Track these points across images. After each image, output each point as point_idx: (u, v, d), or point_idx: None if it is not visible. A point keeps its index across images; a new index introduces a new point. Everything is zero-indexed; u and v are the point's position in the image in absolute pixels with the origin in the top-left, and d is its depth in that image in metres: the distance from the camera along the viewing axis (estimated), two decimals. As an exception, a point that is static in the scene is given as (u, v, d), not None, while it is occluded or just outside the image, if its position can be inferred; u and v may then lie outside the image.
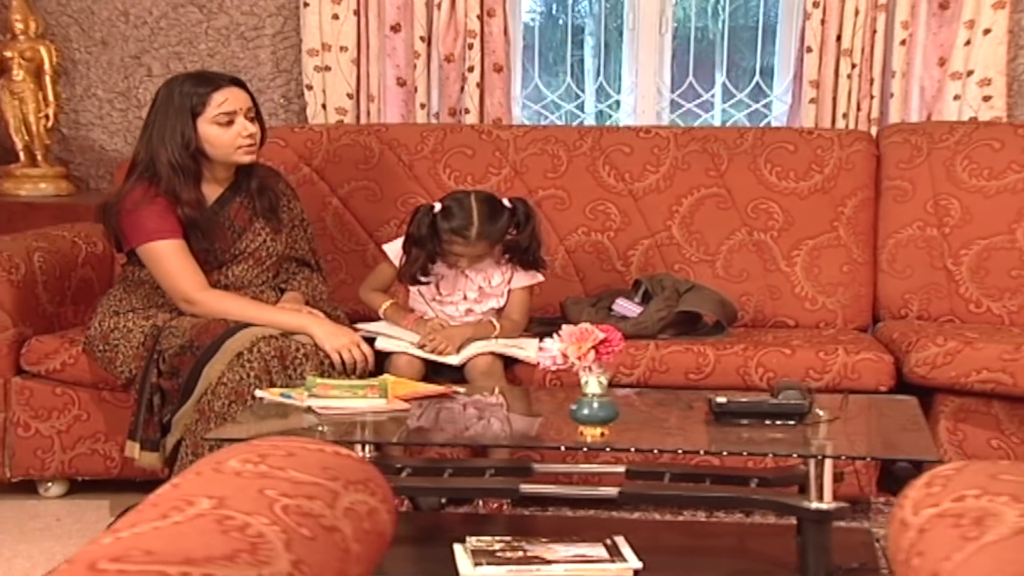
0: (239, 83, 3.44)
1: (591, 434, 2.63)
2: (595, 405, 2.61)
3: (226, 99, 3.32)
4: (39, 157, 4.82)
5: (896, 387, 3.45)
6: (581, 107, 5.44)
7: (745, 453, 2.85)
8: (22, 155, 4.87)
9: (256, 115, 3.43)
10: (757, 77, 5.35)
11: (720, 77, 5.29)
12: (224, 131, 3.32)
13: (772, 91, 5.14)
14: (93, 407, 3.51)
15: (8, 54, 4.92)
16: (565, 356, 2.65)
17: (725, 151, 4.01)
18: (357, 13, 5.02)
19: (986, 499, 1.42)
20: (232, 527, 1.21)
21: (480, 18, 4.97)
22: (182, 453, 3.11)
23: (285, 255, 3.59)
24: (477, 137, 4.15)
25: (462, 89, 5.03)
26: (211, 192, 3.42)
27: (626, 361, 3.46)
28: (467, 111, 4.99)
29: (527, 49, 5.43)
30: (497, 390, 3.26)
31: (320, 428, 2.66)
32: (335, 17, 5.02)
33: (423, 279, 3.49)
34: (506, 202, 3.53)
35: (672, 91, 5.33)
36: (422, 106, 5.08)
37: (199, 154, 3.32)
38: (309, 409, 2.76)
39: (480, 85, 4.99)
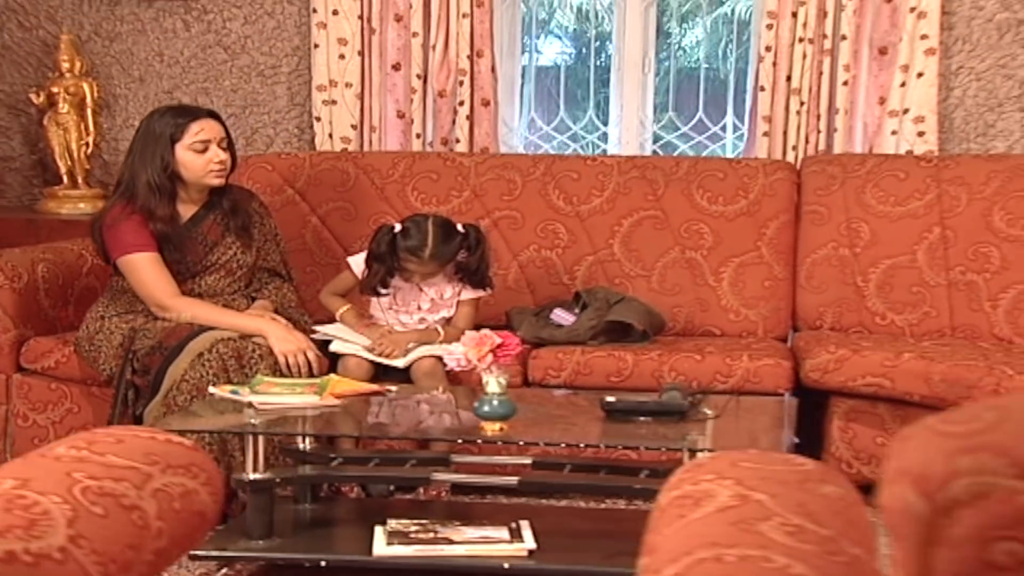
0: (214, 115, 3.48)
1: (491, 429, 2.66)
2: (495, 403, 2.64)
3: (202, 128, 3.35)
4: (80, 180, 4.88)
5: (796, 390, 3.43)
6: (574, 138, 5.54)
7: (603, 446, 2.87)
8: (65, 178, 4.93)
9: (228, 145, 3.45)
10: (730, 114, 5.42)
11: (698, 112, 5.37)
12: (198, 157, 3.34)
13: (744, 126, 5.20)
14: (83, 401, 3.53)
15: (55, 89, 5.01)
16: (468, 359, 2.75)
17: (662, 178, 4.01)
18: (361, 54, 5.09)
19: (716, 482, 1.47)
20: (19, 505, 1.23)
21: (470, 58, 5.03)
22: None
23: (257, 267, 3.59)
24: (441, 163, 4.17)
25: (453, 121, 5.10)
26: (186, 210, 3.43)
27: (554, 364, 3.49)
28: (458, 140, 5.05)
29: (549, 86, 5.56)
30: (442, 389, 3.25)
31: (252, 420, 2.70)
32: (341, 57, 5.09)
33: (382, 291, 3.51)
34: (460, 227, 3.54)
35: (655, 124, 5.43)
36: (418, 136, 5.13)
37: (175, 176, 3.35)
38: (250, 404, 2.79)
39: (470, 118, 5.05)
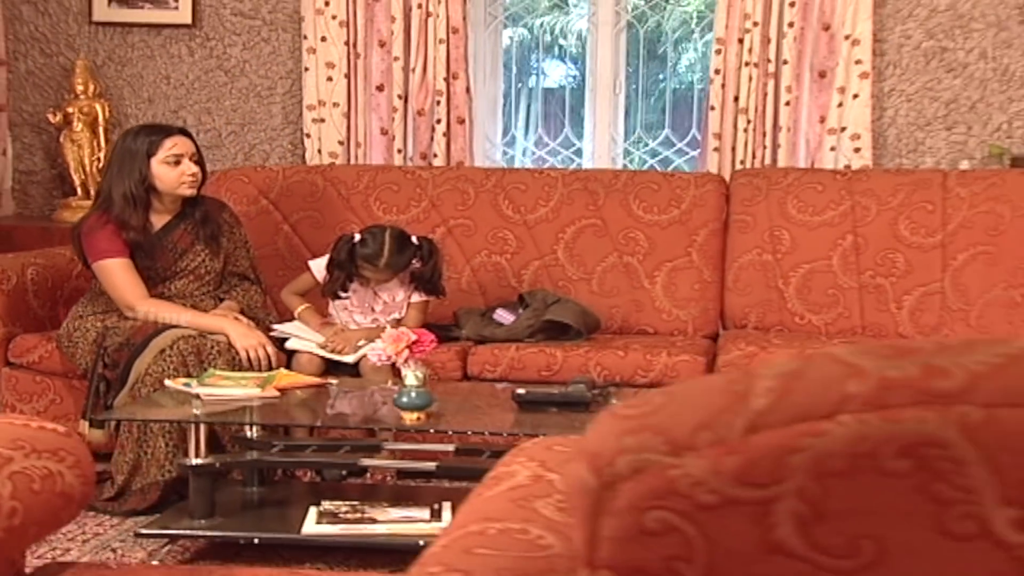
0: (186, 132, 3.51)
1: (409, 418, 2.68)
2: (412, 395, 2.66)
3: (175, 144, 3.38)
4: (92, 192, 4.98)
5: None
6: (552, 152, 5.61)
7: (507, 434, 2.84)
8: (79, 190, 4.99)
9: (199, 159, 3.47)
10: (693, 130, 5.47)
11: (665, 130, 5.43)
12: (172, 169, 3.37)
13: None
14: (64, 392, 3.54)
15: (71, 110, 5.07)
16: (387, 354, 2.82)
17: (602, 189, 4.01)
18: (347, 76, 5.15)
19: (523, 464, 1.51)
20: None
21: (446, 80, 5.08)
22: (121, 431, 3.14)
23: (228, 271, 3.60)
24: (402, 176, 4.18)
25: (432, 138, 5.17)
26: (158, 220, 3.45)
27: (491, 360, 3.50)
28: (435, 155, 5.11)
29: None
30: (390, 383, 3.19)
31: (196, 411, 2.74)
32: (329, 79, 5.14)
33: (341, 295, 3.55)
34: (415, 239, 3.55)
35: (625, 140, 5.50)
36: (399, 151, 5.18)
37: (151, 188, 3.38)
38: (197, 396, 2.82)
39: (446, 134, 5.11)
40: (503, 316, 3.75)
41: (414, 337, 2.73)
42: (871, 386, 0.82)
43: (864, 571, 0.84)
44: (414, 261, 3.54)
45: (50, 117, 5.24)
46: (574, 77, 6.07)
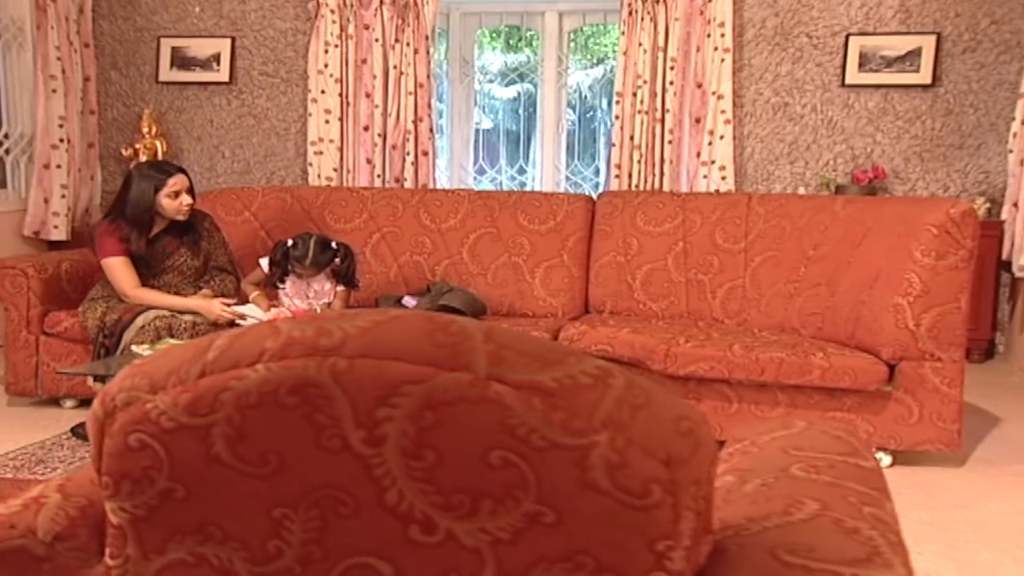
0: (183, 171, 3.56)
1: None
2: None
3: (176, 182, 3.47)
4: None
5: None
6: (510, 177, 5.84)
7: None
8: None
9: (191, 191, 3.53)
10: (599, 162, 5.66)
11: (596, 161, 5.57)
12: (172, 201, 3.47)
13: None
14: (84, 355, 3.64)
15: (138, 146, 5.40)
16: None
17: (498, 205, 4.08)
18: (341, 119, 5.40)
19: None
20: None
21: (414, 123, 5.36)
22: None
23: (209, 266, 3.67)
24: (349, 195, 4.23)
25: (403, 167, 5.49)
26: (155, 230, 3.54)
27: None
28: (406, 179, 5.44)
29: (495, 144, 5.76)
30: None
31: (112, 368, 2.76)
32: (327, 122, 5.39)
33: (279, 285, 3.61)
34: (334, 244, 3.58)
35: (565, 168, 5.71)
36: (378, 176, 5.41)
37: (155, 213, 3.49)
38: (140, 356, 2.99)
39: (414, 163, 5.36)
40: (409, 301, 3.82)
41: (289, 314, 2.94)
42: (280, 343, 0.85)
43: (272, 476, 0.87)
44: (336, 260, 3.58)
45: (123, 151, 5.65)
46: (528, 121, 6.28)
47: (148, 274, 3.53)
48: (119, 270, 3.48)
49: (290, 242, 3.58)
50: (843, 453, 1.27)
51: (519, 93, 6.29)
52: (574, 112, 6.03)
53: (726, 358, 3.14)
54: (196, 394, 0.87)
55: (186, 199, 3.50)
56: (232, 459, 0.88)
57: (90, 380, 3.33)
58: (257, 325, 0.89)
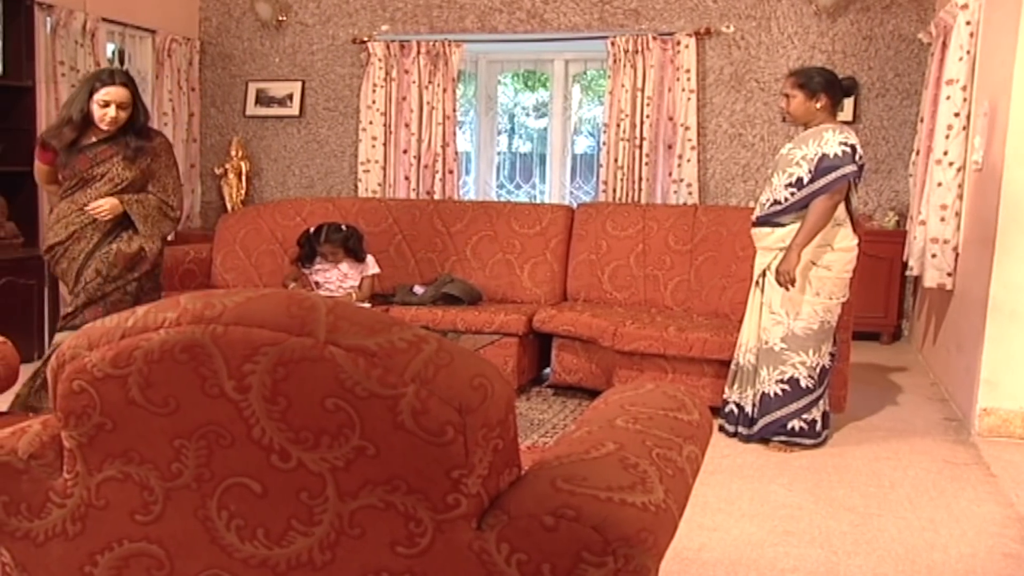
0: (127, 85, 2.84)
1: None
2: None
3: (109, 92, 2.80)
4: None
5: (531, 333, 3.47)
6: (525, 192, 5.80)
7: None
8: (230, 209, 5.28)
9: (134, 106, 2.84)
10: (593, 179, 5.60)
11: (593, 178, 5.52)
12: (99, 109, 2.81)
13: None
14: None
15: (227, 166, 5.50)
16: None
17: (496, 213, 4.03)
18: (385, 144, 5.41)
19: None
20: None
21: (443, 147, 5.39)
22: None
23: (149, 188, 2.95)
24: (377, 204, 4.16)
25: (433, 182, 5.52)
26: (92, 137, 2.89)
27: (398, 315, 3.47)
28: (435, 192, 5.45)
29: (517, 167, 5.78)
30: None
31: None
32: (373, 146, 5.45)
33: (306, 267, 3.62)
34: (344, 226, 3.62)
35: (570, 185, 5.68)
36: (413, 190, 5.48)
37: (89, 118, 2.84)
38: None
39: (442, 180, 5.40)
40: (418, 289, 3.82)
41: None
42: (178, 313, 0.90)
43: (172, 414, 0.91)
44: (346, 239, 3.59)
45: (216, 170, 5.77)
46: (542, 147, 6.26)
47: (75, 178, 2.87)
48: (37, 169, 2.96)
49: (312, 229, 3.61)
50: (668, 408, 1.27)
51: (547, 125, 6.28)
52: (593, 139, 5.97)
53: (662, 337, 3.13)
54: (117, 351, 0.92)
55: (112, 112, 2.79)
56: (143, 401, 0.92)
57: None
58: (164, 300, 0.93)
